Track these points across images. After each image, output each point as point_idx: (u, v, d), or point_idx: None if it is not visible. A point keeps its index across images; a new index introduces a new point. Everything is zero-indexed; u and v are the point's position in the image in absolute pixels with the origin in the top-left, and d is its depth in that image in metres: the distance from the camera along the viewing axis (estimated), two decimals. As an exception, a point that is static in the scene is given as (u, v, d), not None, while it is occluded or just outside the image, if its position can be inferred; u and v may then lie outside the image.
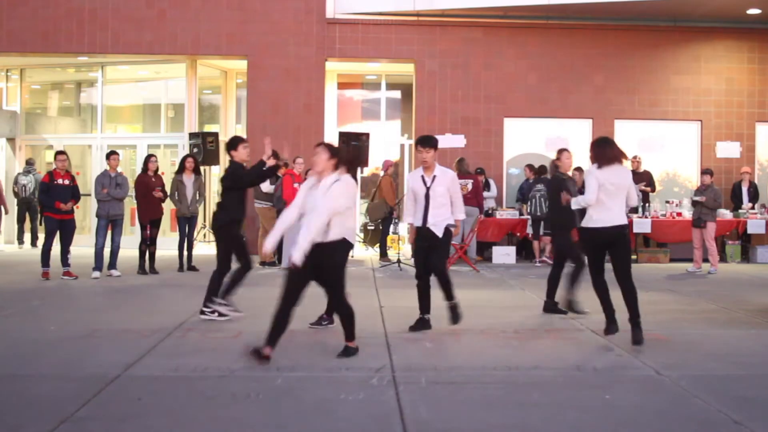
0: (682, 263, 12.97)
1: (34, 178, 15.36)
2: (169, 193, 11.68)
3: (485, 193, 14.10)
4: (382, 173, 14.10)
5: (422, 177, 7.15)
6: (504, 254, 13.66)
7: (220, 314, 7.62)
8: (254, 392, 5.06)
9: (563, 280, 8.00)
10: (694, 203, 12.51)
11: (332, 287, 5.98)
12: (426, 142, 7.16)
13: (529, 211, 13.36)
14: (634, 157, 14.29)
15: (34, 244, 15.53)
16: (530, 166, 14.30)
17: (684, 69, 15.42)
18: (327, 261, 5.78)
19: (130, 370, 5.65)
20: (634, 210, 13.22)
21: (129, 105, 17.72)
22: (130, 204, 13.16)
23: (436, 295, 7.25)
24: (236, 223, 7.65)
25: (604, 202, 6.67)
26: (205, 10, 14.95)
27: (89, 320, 7.71)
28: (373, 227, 15.03)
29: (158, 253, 11.75)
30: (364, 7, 15.01)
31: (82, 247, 12.60)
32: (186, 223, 11.81)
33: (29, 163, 15.78)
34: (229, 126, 16.77)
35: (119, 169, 11.28)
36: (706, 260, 12.38)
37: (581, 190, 7.58)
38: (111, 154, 11.20)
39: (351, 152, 7.01)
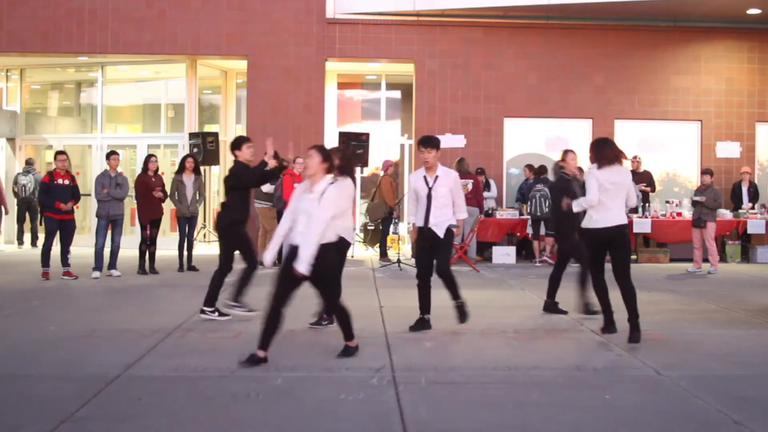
0: (682, 263, 12.97)
1: (33, 178, 15.36)
2: (169, 193, 11.68)
3: (485, 194, 14.11)
4: (382, 173, 14.10)
5: (424, 177, 7.15)
6: (504, 254, 13.66)
7: (221, 314, 7.63)
8: (254, 392, 5.07)
9: (576, 286, 7.95)
10: (694, 203, 12.51)
11: (326, 289, 5.96)
12: (427, 142, 7.16)
13: (529, 211, 13.36)
14: (634, 157, 14.30)
15: (34, 244, 15.53)
16: (530, 166, 14.30)
17: (684, 69, 15.42)
18: (320, 263, 5.75)
19: (130, 370, 5.65)
20: (634, 210, 13.23)
21: (129, 105, 17.73)
22: (130, 204, 13.16)
23: (437, 295, 7.26)
24: (240, 223, 7.64)
25: (604, 202, 6.71)
26: (205, 10, 14.95)
27: (89, 320, 7.71)
28: (373, 227, 15.03)
29: (158, 253, 11.75)
30: (364, 7, 15.01)
31: (82, 247, 12.60)
32: (186, 223, 11.81)
33: (29, 163, 15.78)
34: (229, 126, 16.77)
35: (119, 169, 11.28)
36: (706, 260, 12.38)
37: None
38: (111, 154, 11.21)
39: (347, 154, 7.00)
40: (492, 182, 14.73)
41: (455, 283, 7.19)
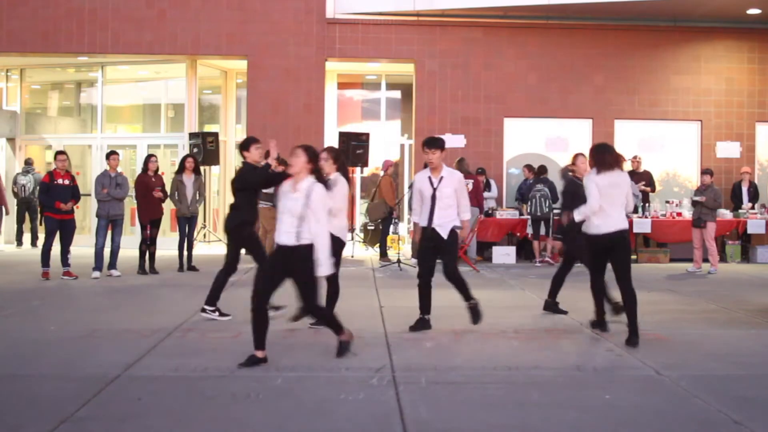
0: (682, 263, 12.97)
1: (33, 178, 15.37)
2: (169, 193, 11.68)
3: (486, 194, 14.12)
4: (382, 173, 14.10)
5: (429, 178, 7.15)
6: (504, 254, 13.66)
7: (221, 314, 7.62)
8: (254, 392, 5.07)
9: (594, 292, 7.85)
10: (694, 203, 12.51)
11: (307, 288, 5.86)
12: (432, 143, 7.15)
13: (529, 211, 13.36)
14: (634, 157, 14.30)
15: (34, 244, 15.53)
16: (529, 166, 14.31)
17: (684, 69, 15.42)
18: (306, 263, 5.72)
19: (130, 370, 5.65)
20: (634, 210, 13.23)
21: (129, 105, 17.73)
22: (130, 204, 13.16)
23: (437, 295, 7.26)
24: (249, 224, 7.61)
25: (605, 208, 6.76)
26: (205, 10, 14.96)
27: (89, 320, 7.71)
28: (373, 227, 15.03)
29: (158, 253, 11.74)
30: (364, 7, 15.01)
31: (82, 247, 12.60)
32: (186, 223, 11.81)
33: (28, 163, 15.78)
34: (229, 126, 16.77)
35: (119, 169, 11.28)
36: (706, 260, 12.38)
37: None
38: (111, 154, 11.20)
39: (340, 156, 7.06)
40: (492, 182, 14.73)
41: (465, 285, 7.20)
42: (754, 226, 13.71)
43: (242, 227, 7.54)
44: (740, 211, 14.06)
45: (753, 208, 14.07)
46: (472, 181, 13.18)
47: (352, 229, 14.47)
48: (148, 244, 11.40)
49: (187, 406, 4.84)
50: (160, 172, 11.82)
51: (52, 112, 18.14)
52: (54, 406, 4.73)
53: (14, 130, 16.64)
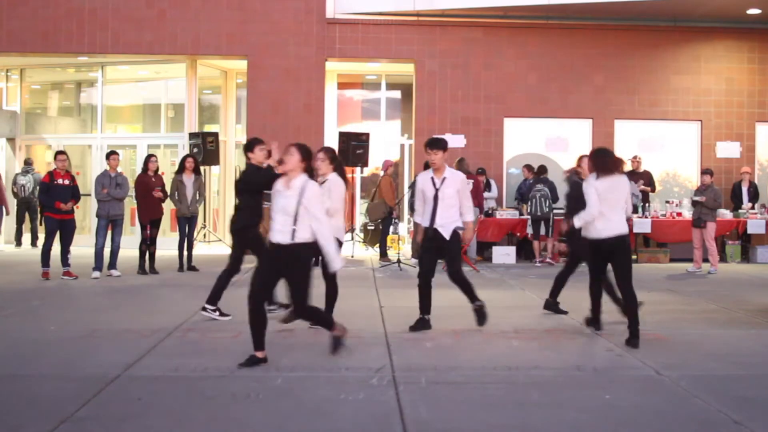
0: (682, 263, 12.97)
1: (32, 178, 15.37)
2: (169, 193, 11.68)
3: (486, 194, 14.11)
4: (381, 173, 14.10)
5: (432, 179, 7.15)
6: (504, 254, 13.67)
7: (222, 313, 7.62)
8: (254, 392, 5.07)
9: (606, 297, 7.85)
10: (694, 203, 12.51)
11: (297, 287, 5.83)
12: (434, 144, 7.15)
13: (529, 211, 13.36)
14: (634, 157, 14.30)
15: (34, 244, 15.54)
16: (528, 166, 14.31)
17: (684, 69, 15.42)
18: (298, 260, 5.71)
19: (130, 370, 5.65)
20: (634, 210, 13.22)
21: (129, 105, 17.73)
22: (130, 204, 13.16)
23: (437, 295, 7.25)
24: (253, 225, 7.61)
25: (604, 212, 6.76)
26: (205, 10, 14.96)
27: (89, 320, 7.71)
28: (373, 227, 15.03)
29: (158, 253, 11.74)
30: (364, 7, 15.02)
31: (82, 247, 12.60)
32: (186, 223, 11.81)
33: (27, 163, 15.78)
34: (229, 126, 16.77)
35: (119, 169, 11.28)
36: (706, 260, 12.38)
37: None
38: (111, 154, 11.20)
39: (336, 156, 7.08)
40: (492, 182, 14.73)
41: (470, 286, 7.22)
42: (754, 226, 13.71)
43: (247, 229, 7.54)
44: (740, 211, 14.06)
45: (753, 208, 14.07)
46: (472, 181, 13.16)
47: (352, 229, 14.48)
48: (148, 244, 11.40)
49: (187, 406, 4.83)
50: (160, 172, 11.82)
51: (52, 112, 18.14)
52: (54, 406, 4.73)
53: (14, 130, 16.64)
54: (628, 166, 13.86)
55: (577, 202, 7.78)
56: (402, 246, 14.08)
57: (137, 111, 17.71)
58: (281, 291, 6.71)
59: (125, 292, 9.78)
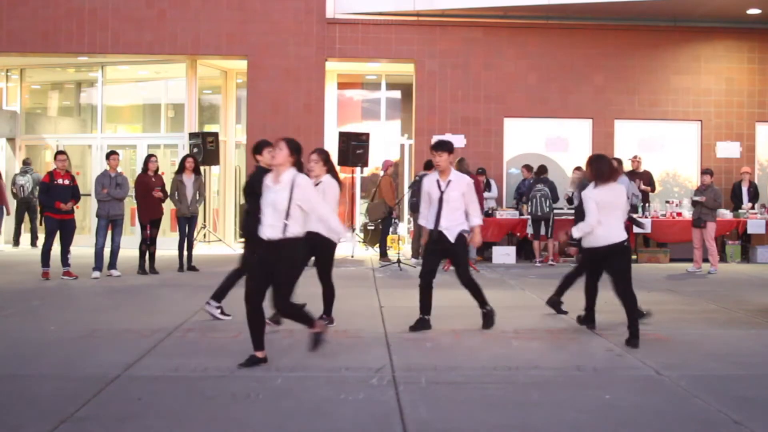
0: (682, 263, 12.97)
1: (31, 178, 15.37)
2: (169, 193, 11.68)
3: (486, 194, 14.12)
4: (381, 173, 14.10)
5: (437, 181, 7.15)
6: (504, 254, 13.66)
7: (223, 313, 7.61)
8: (254, 392, 5.07)
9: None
10: (694, 203, 12.50)
11: (281, 284, 5.70)
12: (440, 146, 7.14)
13: (529, 211, 13.35)
14: (634, 157, 14.30)
15: (33, 244, 15.54)
16: (527, 166, 14.30)
17: (684, 69, 15.42)
18: (280, 257, 5.64)
19: (130, 370, 5.65)
20: (634, 210, 13.22)
21: (129, 105, 17.73)
22: (130, 204, 13.15)
23: (437, 295, 7.25)
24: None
25: (602, 221, 6.81)
26: (205, 10, 14.96)
27: (89, 320, 7.71)
28: (373, 227, 15.03)
29: (158, 253, 11.74)
30: (364, 7, 15.02)
31: (82, 247, 12.59)
32: (186, 223, 11.80)
33: (26, 163, 15.78)
34: (229, 126, 16.77)
35: (119, 169, 11.28)
36: (706, 260, 12.38)
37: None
38: (111, 154, 11.20)
39: (329, 158, 7.09)
40: (492, 182, 14.73)
41: (480, 291, 7.24)
42: (754, 226, 13.71)
43: (255, 231, 7.50)
44: (740, 211, 14.06)
45: (753, 208, 14.07)
46: (473, 181, 13.18)
47: (352, 229, 14.48)
48: (148, 244, 11.40)
49: (187, 406, 4.83)
50: (160, 172, 11.82)
51: (52, 112, 18.14)
52: (54, 406, 4.73)
53: (14, 130, 16.64)
54: (627, 167, 13.91)
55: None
56: (402, 246, 14.08)
57: (137, 111, 17.71)
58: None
59: (125, 292, 9.78)
